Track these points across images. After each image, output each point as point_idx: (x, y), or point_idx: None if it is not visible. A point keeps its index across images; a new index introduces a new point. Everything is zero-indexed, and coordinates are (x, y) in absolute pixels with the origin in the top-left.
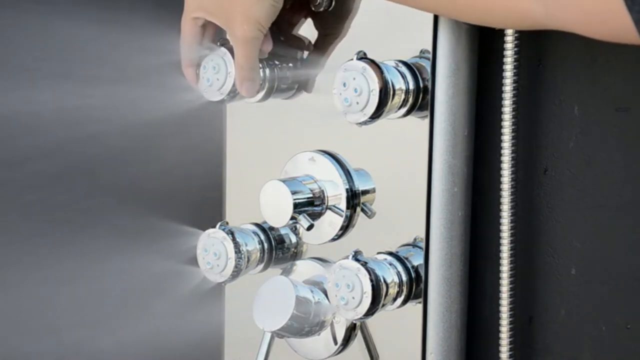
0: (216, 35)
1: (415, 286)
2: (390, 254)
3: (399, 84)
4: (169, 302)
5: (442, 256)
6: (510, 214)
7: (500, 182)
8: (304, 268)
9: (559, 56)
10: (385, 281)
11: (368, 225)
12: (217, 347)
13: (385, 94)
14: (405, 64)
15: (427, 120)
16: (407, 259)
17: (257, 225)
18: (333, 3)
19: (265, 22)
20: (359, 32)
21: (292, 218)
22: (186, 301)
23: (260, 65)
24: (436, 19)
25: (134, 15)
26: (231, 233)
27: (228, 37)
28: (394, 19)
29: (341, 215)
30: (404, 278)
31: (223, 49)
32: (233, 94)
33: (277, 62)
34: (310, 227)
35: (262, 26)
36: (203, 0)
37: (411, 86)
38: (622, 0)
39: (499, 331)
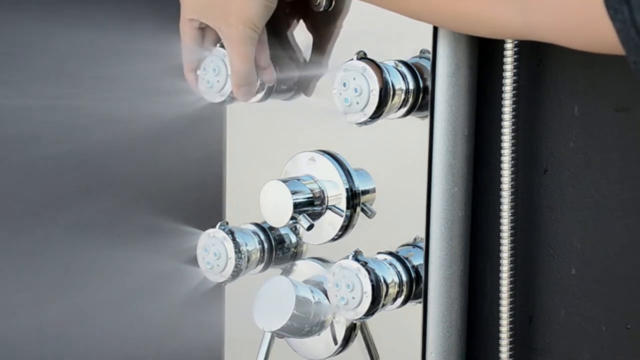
0: (217, 37)
1: (415, 286)
2: (390, 254)
3: (399, 84)
4: (169, 302)
5: (442, 256)
6: (510, 214)
7: (500, 182)
8: (304, 268)
9: (559, 56)
10: (385, 281)
11: (368, 225)
12: (217, 347)
13: (385, 94)
14: (405, 64)
15: (427, 120)
16: (407, 259)
17: (257, 225)
18: (333, 3)
19: (259, 21)
20: (359, 32)
21: (292, 218)
22: (186, 301)
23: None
24: None
25: (135, 17)
26: (231, 233)
27: (222, 39)
28: (394, 19)
29: (341, 215)
30: (404, 278)
31: (222, 50)
32: (233, 95)
33: (276, 63)
34: (310, 227)
35: (256, 26)
36: (196, 2)
37: (411, 86)
38: (604, 10)
39: (499, 331)
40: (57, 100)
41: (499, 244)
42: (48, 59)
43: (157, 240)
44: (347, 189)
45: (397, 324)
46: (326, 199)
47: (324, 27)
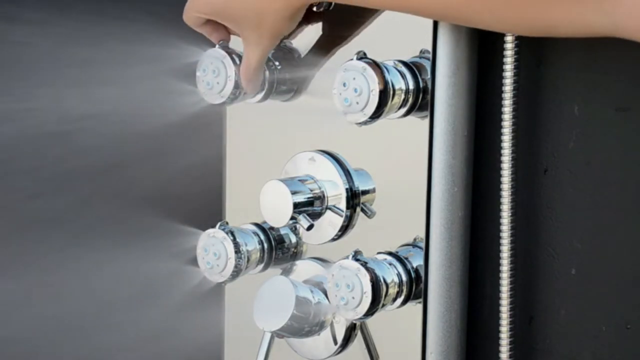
0: (226, 32)
1: (415, 286)
2: (390, 254)
3: (399, 84)
4: (169, 302)
5: (442, 256)
6: (510, 214)
7: (500, 182)
8: (304, 268)
9: (559, 56)
10: (385, 281)
11: (368, 225)
12: (217, 347)
13: (385, 94)
14: (405, 64)
15: (427, 120)
16: (407, 259)
17: (257, 225)
18: (333, 3)
19: (287, 33)
20: (359, 32)
21: (292, 218)
22: (186, 301)
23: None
24: None
25: (133, 18)
26: (231, 233)
27: (243, 41)
28: (394, 19)
29: (341, 215)
30: (404, 278)
31: (222, 52)
32: (233, 96)
33: (277, 63)
34: (310, 227)
35: (282, 36)
36: (218, 3)
37: (411, 86)
38: None
39: (499, 331)
40: (56, 101)
41: (499, 244)
42: (41, 61)
43: (157, 240)
44: (347, 189)
45: (397, 324)
46: (326, 199)
47: (324, 27)
